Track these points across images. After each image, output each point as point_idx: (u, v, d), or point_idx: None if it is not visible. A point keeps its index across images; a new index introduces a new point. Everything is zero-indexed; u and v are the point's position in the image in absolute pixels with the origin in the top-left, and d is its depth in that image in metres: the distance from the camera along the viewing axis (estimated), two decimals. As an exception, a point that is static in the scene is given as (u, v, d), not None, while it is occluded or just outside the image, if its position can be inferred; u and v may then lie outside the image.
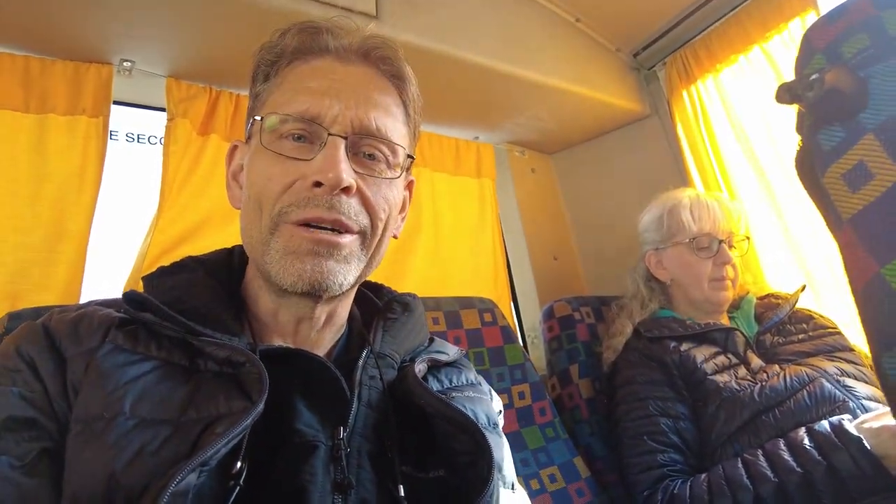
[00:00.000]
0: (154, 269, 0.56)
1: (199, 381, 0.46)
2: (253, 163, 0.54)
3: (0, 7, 0.85)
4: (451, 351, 0.67)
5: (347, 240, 0.51)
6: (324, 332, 0.58)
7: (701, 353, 1.03)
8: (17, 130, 0.94)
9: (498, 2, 1.30)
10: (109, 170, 1.01)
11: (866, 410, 0.85)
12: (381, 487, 0.47)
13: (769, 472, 0.80)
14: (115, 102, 1.06)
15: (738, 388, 0.95)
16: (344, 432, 0.48)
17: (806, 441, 0.80)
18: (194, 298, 0.52)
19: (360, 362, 0.55)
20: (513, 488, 0.60)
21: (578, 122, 1.58)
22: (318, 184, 0.50)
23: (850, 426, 0.78)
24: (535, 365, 1.22)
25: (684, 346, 1.05)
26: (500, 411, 0.68)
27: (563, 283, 1.69)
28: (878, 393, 0.91)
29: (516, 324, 1.64)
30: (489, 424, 0.60)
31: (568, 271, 1.74)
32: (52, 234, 0.94)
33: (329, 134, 0.51)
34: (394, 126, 0.56)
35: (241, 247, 0.61)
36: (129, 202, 1.21)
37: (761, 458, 0.83)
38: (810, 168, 0.55)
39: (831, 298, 1.15)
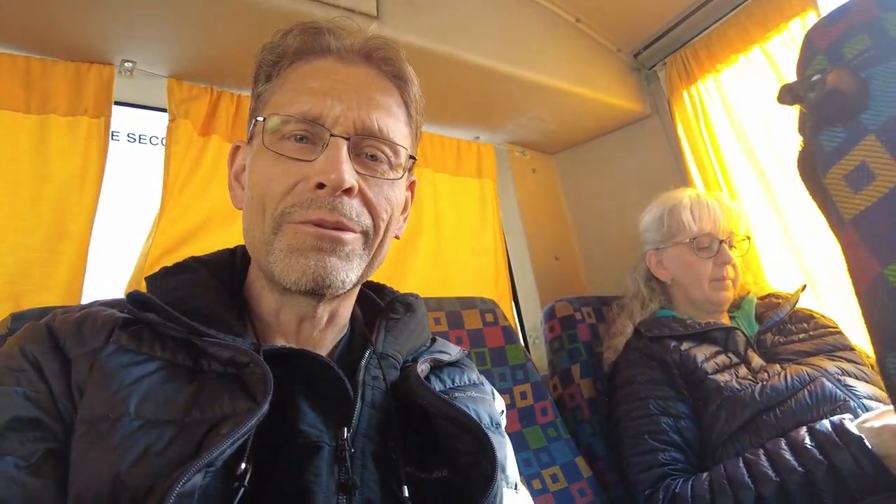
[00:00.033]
0: (157, 270, 0.56)
1: (203, 381, 0.46)
2: (255, 163, 0.54)
3: (0, 7, 0.85)
4: (453, 351, 0.67)
5: (350, 237, 0.51)
6: (326, 332, 0.58)
7: (701, 353, 1.03)
8: (18, 131, 0.94)
9: (499, 3, 1.30)
10: (111, 170, 1.01)
11: (867, 410, 0.85)
12: (385, 488, 0.47)
13: (770, 472, 0.80)
14: (117, 103, 1.06)
15: (738, 387, 0.95)
16: (348, 433, 0.48)
17: (807, 440, 0.80)
18: (197, 299, 0.52)
19: (363, 362, 0.55)
20: (516, 488, 0.60)
21: (579, 122, 1.58)
22: (320, 185, 0.50)
23: (851, 425, 0.78)
24: (536, 365, 1.22)
25: (685, 346, 1.05)
26: (503, 411, 0.68)
27: (565, 283, 1.69)
28: (880, 392, 0.91)
29: (517, 324, 1.64)
30: (492, 424, 0.60)
31: (569, 271, 1.74)
32: (53, 234, 0.93)
33: (331, 135, 0.51)
34: (396, 127, 0.56)
35: (243, 247, 0.61)
36: (130, 203, 1.21)
37: (763, 457, 0.83)
38: (812, 169, 0.55)
39: (831, 298, 1.15)
